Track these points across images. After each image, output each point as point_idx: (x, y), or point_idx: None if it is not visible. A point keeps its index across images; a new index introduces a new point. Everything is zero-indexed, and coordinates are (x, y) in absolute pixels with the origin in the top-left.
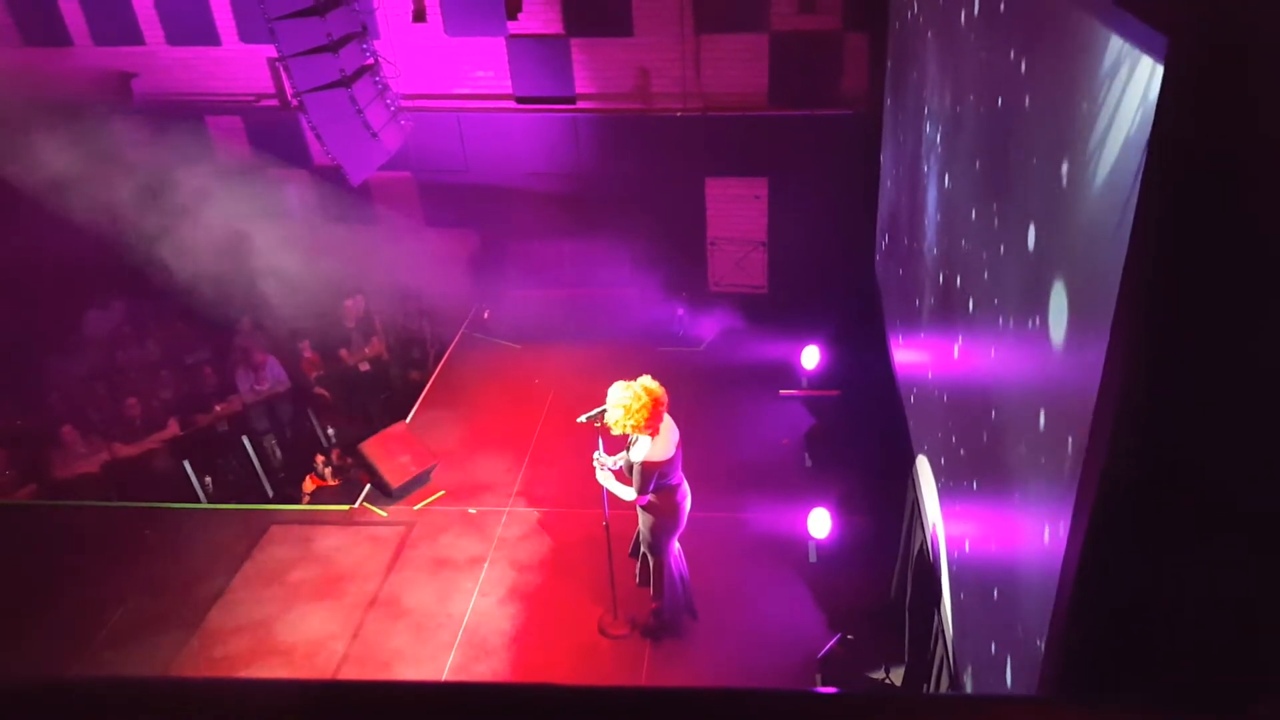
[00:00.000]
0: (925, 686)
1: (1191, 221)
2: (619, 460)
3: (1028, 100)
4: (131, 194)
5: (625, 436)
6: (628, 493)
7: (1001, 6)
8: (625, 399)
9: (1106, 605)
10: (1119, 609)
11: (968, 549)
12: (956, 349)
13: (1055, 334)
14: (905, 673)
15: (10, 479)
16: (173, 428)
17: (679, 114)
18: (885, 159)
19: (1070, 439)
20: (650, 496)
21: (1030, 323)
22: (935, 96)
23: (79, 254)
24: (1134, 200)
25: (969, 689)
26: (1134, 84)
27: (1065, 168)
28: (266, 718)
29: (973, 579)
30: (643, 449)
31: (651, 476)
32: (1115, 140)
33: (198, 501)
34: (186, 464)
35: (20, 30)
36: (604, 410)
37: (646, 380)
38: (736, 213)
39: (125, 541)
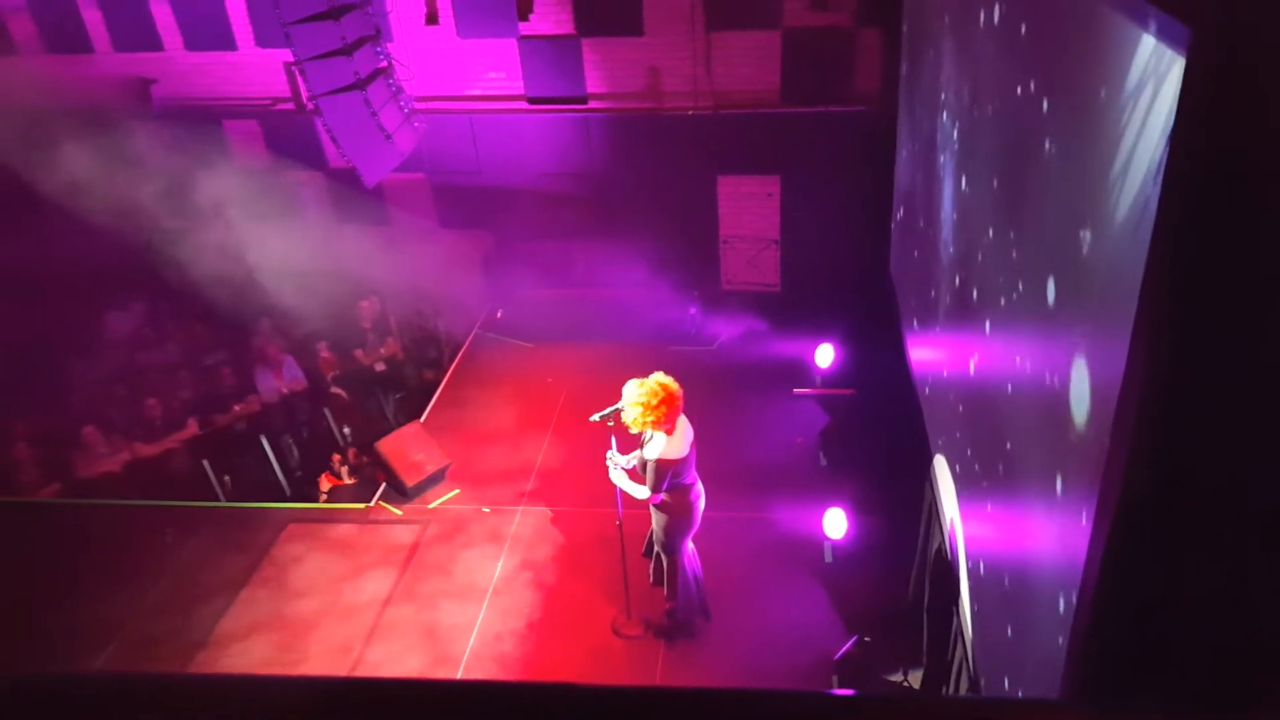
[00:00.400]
0: (944, 689)
1: (1209, 220)
2: (632, 459)
3: (1048, 144)
4: (151, 198)
5: (638, 436)
6: (641, 491)
7: (1022, 29)
8: (643, 396)
9: (1126, 625)
10: (1138, 629)
11: (982, 572)
12: (972, 365)
13: (1077, 415)
14: (924, 675)
15: (35, 478)
16: (192, 427)
17: (690, 112)
18: (901, 135)
19: (1084, 513)
20: (663, 495)
21: (1049, 378)
22: (952, 88)
23: (99, 257)
24: (1155, 201)
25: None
26: (1155, 114)
27: (1087, 237)
28: (281, 715)
29: (988, 606)
30: (657, 446)
31: (665, 474)
32: (1136, 173)
33: (217, 500)
34: (205, 463)
35: (44, 38)
36: (618, 409)
37: (660, 376)
38: (749, 211)
39: (147, 539)
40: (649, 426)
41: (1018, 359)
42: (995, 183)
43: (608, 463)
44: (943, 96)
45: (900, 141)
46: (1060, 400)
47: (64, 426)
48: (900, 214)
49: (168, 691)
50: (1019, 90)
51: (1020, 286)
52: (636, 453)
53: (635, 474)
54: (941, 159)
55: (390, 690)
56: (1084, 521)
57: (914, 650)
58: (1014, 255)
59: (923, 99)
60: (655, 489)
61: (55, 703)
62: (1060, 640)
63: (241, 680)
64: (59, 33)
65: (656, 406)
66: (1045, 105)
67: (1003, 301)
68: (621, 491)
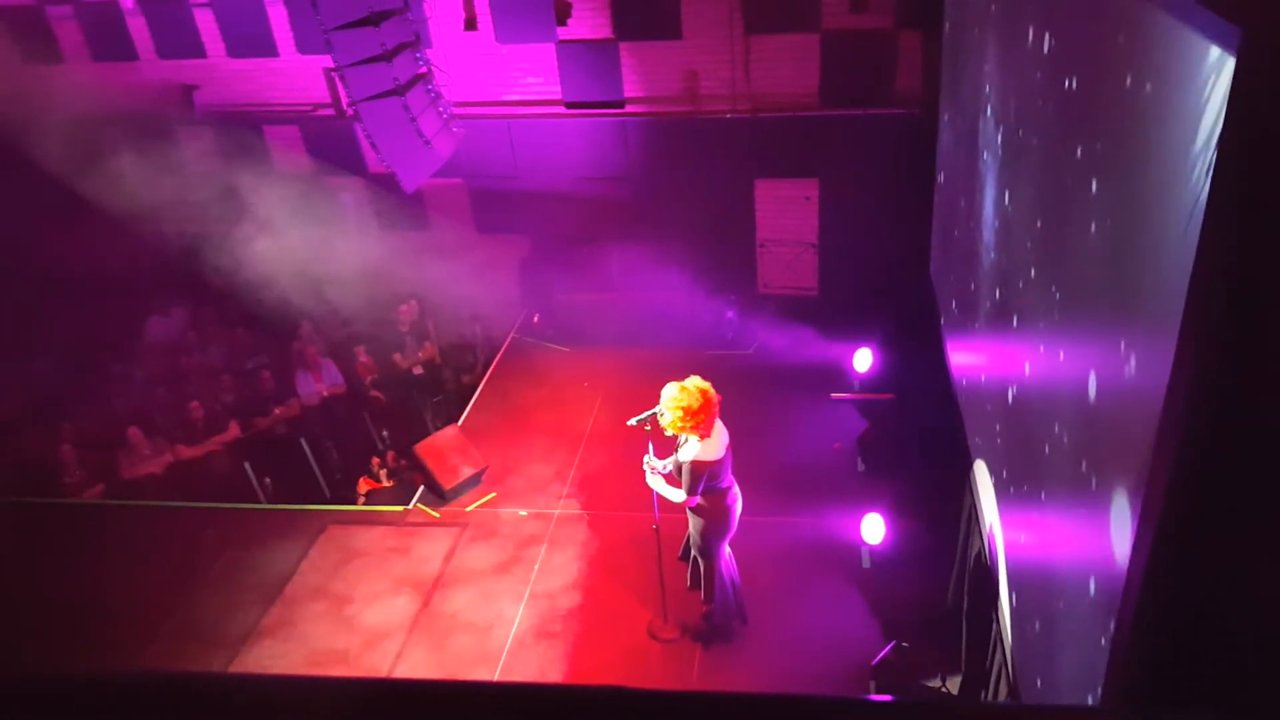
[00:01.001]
0: (983, 696)
1: (1252, 249)
2: (669, 463)
3: (1094, 227)
4: (193, 202)
5: (675, 439)
6: (677, 495)
7: (1073, 84)
8: (684, 399)
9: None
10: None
11: (1015, 602)
12: (1010, 395)
13: (1119, 544)
14: (962, 681)
15: (81, 479)
16: (233, 430)
17: (728, 115)
18: (943, 101)
19: (1114, 622)
20: (700, 499)
21: (1087, 470)
22: (996, 90)
23: (143, 261)
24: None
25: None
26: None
27: (1132, 361)
28: (318, 715)
29: (1025, 639)
30: (693, 448)
31: (701, 477)
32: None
33: (258, 502)
34: (247, 465)
35: (90, 46)
36: (655, 413)
37: (698, 380)
38: (787, 214)
39: (189, 540)
40: (686, 430)
41: (1056, 426)
42: (1039, 223)
43: (644, 467)
44: (986, 89)
45: (942, 105)
46: (1100, 512)
47: (109, 428)
48: (941, 177)
49: (205, 691)
50: (1067, 148)
51: (1061, 355)
52: (673, 456)
53: (672, 478)
54: (985, 156)
55: (426, 691)
56: (1111, 627)
57: (952, 656)
58: (1056, 315)
59: (966, 87)
60: (691, 491)
61: (93, 702)
62: (1102, 640)
63: (279, 681)
64: (105, 40)
65: (696, 411)
66: (1094, 186)
67: (1042, 349)
68: (658, 495)
